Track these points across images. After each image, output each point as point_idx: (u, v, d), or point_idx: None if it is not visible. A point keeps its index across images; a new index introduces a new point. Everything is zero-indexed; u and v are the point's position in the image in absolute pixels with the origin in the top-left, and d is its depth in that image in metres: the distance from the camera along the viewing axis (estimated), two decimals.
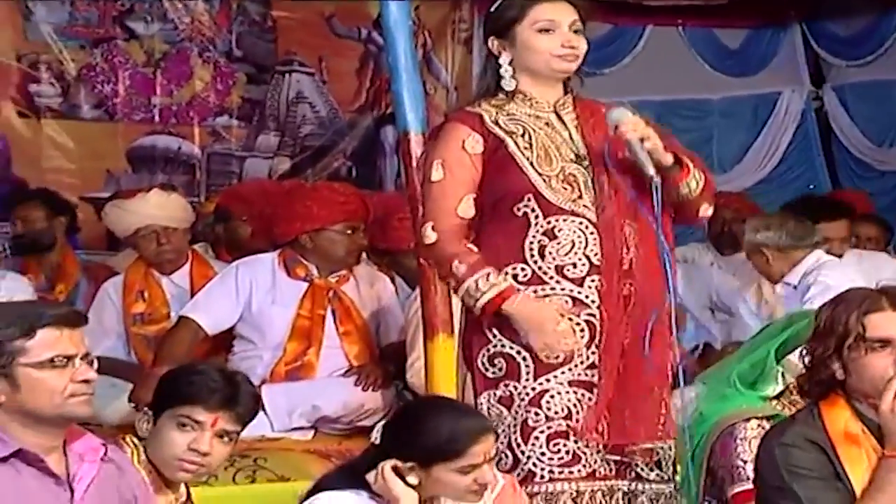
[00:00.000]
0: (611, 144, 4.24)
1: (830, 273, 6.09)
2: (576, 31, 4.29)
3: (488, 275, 4.12)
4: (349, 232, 5.99)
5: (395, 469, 3.88)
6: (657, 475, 4.26)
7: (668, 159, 4.17)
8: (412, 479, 3.85)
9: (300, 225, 5.97)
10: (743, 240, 6.88)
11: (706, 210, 4.35)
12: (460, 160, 4.25)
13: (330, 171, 9.36)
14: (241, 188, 7.98)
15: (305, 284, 5.97)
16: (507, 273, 4.18)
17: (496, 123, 4.27)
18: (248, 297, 5.95)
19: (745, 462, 4.34)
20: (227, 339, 6.08)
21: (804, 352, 3.85)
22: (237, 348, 6.05)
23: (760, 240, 6.47)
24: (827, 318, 3.74)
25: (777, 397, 4.51)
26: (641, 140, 4.12)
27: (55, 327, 3.29)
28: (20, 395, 3.27)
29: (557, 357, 4.10)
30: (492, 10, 4.39)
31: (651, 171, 4.10)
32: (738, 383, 4.56)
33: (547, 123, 4.28)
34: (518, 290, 4.12)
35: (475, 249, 4.19)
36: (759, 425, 4.38)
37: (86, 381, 3.31)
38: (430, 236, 4.23)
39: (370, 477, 3.84)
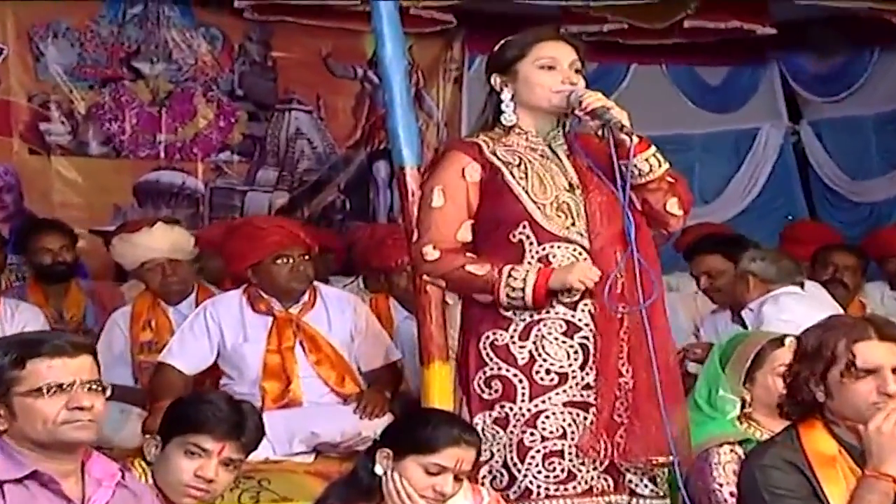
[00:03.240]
0: (594, 155, 4.28)
1: (773, 316, 6.10)
2: (576, 70, 4.34)
3: (511, 268, 4.16)
4: (284, 261, 5.81)
5: (369, 452, 3.91)
6: (651, 490, 4.28)
7: (627, 122, 4.21)
8: (380, 468, 3.87)
9: (237, 263, 5.88)
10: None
11: (674, 207, 4.32)
12: (460, 187, 4.28)
13: (325, 205, 9.40)
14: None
15: (270, 318, 5.83)
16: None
17: (493, 154, 4.31)
18: (220, 336, 5.82)
19: (720, 486, 4.36)
20: (217, 369, 5.95)
21: (785, 375, 3.86)
22: (223, 381, 5.91)
23: (753, 268, 6.47)
24: (813, 344, 3.74)
25: (739, 418, 4.55)
26: (606, 108, 4.20)
27: (48, 357, 3.29)
28: (17, 422, 3.28)
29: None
30: (496, 49, 4.45)
31: (622, 121, 4.17)
32: (703, 407, 4.59)
33: (542, 155, 4.33)
34: (548, 265, 4.19)
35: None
36: (731, 450, 4.41)
37: (80, 408, 3.29)
38: (433, 254, 4.24)
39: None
